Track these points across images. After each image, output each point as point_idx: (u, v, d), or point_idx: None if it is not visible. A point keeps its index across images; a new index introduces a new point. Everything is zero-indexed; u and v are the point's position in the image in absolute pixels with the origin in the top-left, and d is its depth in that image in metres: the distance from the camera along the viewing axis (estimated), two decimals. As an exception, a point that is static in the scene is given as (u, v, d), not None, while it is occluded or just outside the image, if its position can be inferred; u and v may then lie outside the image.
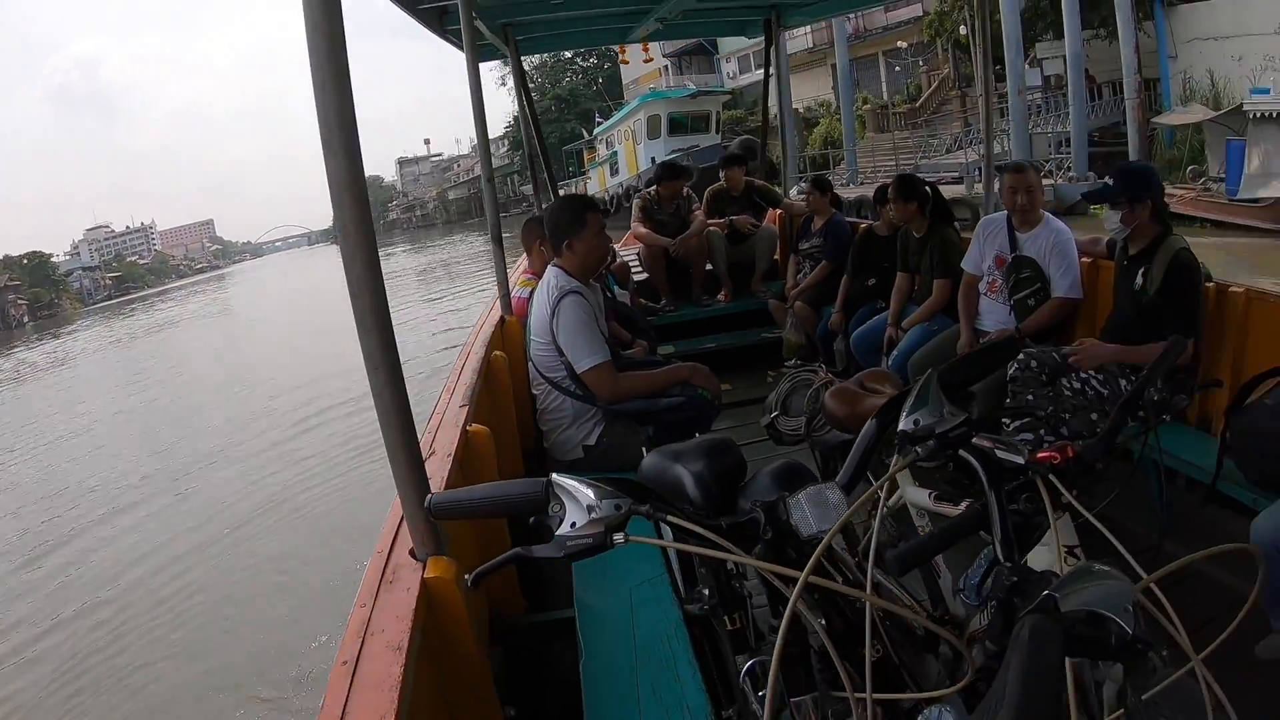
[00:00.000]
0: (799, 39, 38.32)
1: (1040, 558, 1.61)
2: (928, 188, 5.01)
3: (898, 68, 37.46)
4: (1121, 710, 1.12)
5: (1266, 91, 19.87)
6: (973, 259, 4.53)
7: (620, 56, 41.80)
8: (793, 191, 27.52)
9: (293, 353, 21.74)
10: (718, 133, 33.23)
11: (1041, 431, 3.50)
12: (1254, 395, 3.13)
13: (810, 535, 1.37)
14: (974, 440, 1.58)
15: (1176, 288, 3.52)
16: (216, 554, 8.15)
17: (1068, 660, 1.04)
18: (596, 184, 37.72)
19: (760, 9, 6.77)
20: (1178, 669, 1.22)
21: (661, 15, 5.87)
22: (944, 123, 33.24)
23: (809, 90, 39.02)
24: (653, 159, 30.09)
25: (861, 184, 28.98)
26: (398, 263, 47.86)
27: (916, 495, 2.20)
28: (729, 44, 43.34)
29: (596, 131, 40.25)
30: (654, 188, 6.75)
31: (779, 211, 7.00)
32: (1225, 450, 3.15)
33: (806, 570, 1.16)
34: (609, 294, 5.38)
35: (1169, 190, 21.40)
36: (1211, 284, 3.76)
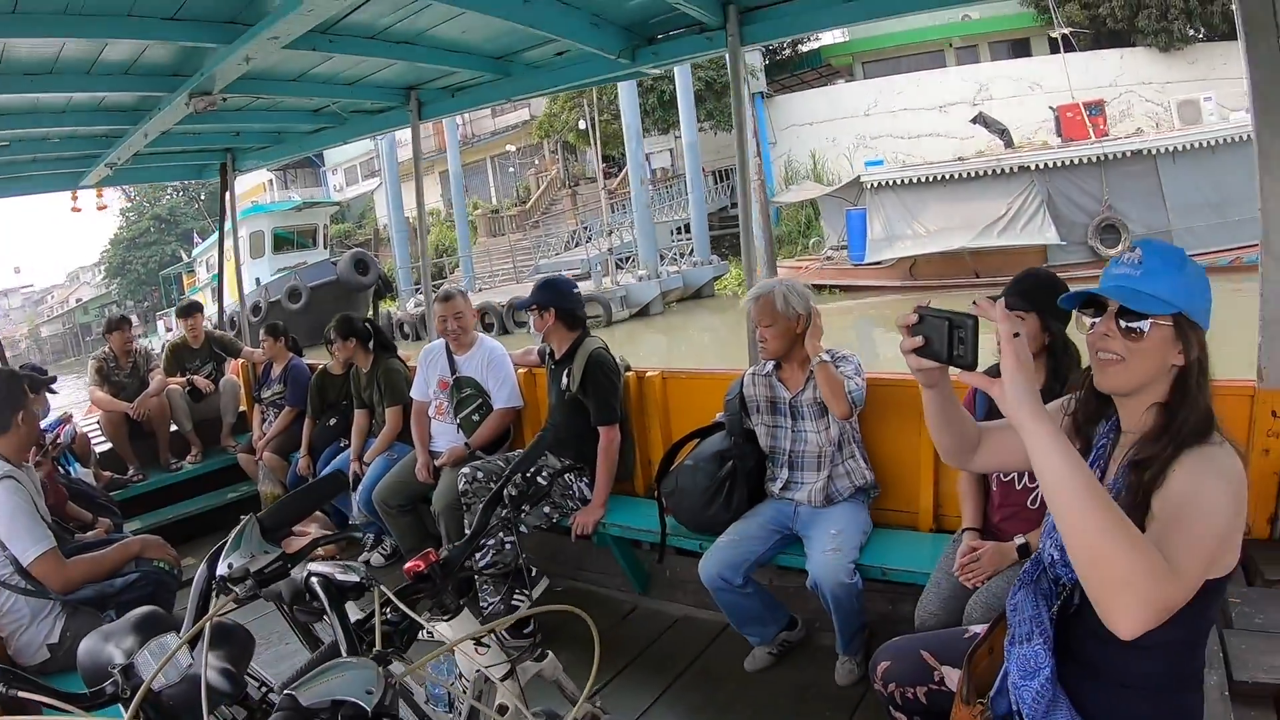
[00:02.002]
0: (408, 146, 39.12)
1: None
2: (366, 324, 5.43)
3: (511, 169, 39.67)
4: None
5: (880, 163, 24.05)
6: (419, 386, 4.96)
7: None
8: (409, 304, 27.64)
9: None
10: (326, 247, 32.78)
11: (501, 535, 3.80)
12: (678, 459, 3.85)
13: (163, 687, 1.49)
14: (313, 566, 1.85)
15: (593, 383, 4.14)
16: None
17: None
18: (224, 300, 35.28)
19: (215, 153, 7.03)
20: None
21: (111, 161, 5.88)
22: (556, 222, 35.83)
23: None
24: (258, 280, 29.05)
25: (480, 290, 30.18)
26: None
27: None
28: (335, 155, 43.45)
29: (195, 253, 37.93)
30: (106, 346, 6.57)
31: (240, 361, 7.07)
32: (665, 511, 3.86)
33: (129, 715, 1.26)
34: (66, 472, 5.20)
35: (795, 264, 24.46)
36: (631, 372, 4.49)
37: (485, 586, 3.95)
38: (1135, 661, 1.65)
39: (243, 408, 6.93)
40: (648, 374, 4.55)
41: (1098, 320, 1.67)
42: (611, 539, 4.25)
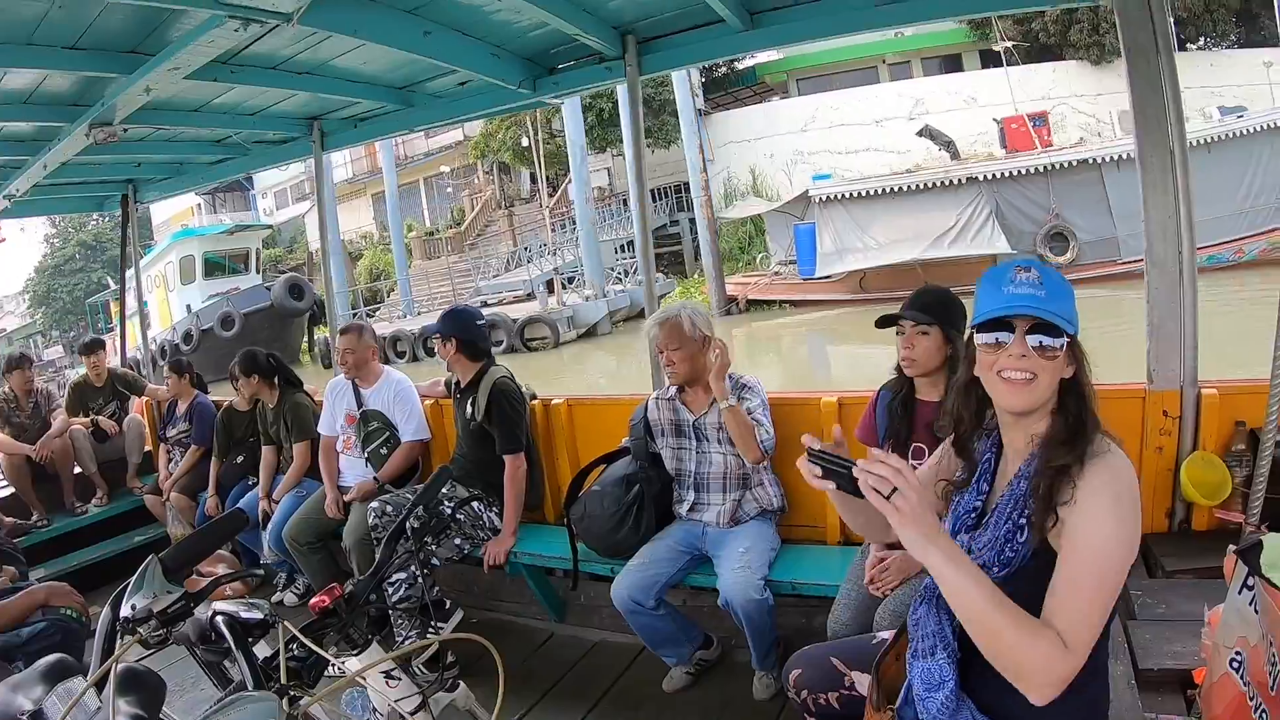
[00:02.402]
0: (338, 169, 39.04)
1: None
2: (270, 359, 5.40)
3: (449, 189, 39.58)
4: None
5: (828, 177, 24.31)
6: (326, 421, 4.97)
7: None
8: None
9: None
10: (258, 272, 32.10)
11: (413, 568, 3.80)
12: (586, 486, 3.97)
13: None
14: (218, 606, 1.90)
15: (497, 411, 4.23)
16: None
17: None
18: (126, 340, 33.84)
19: (116, 184, 6.91)
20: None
21: (9, 192, 5.77)
22: (492, 243, 35.79)
23: (350, 222, 39.80)
24: (188, 307, 28.50)
25: (419, 314, 30.03)
26: None
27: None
28: (265, 178, 43.15)
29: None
30: (5, 386, 6.46)
31: (145, 399, 6.94)
32: (575, 537, 3.96)
33: None
34: (-36, 521, 5.03)
35: (743, 279, 24.82)
36: (536, 400, 4.61)
37: (400, 621, 3.97)
38: None
39: (148, 447, 6.80)
40: (554, 401, 4.67)
41: (1004, 340, 1.73)
42: (524, 568, 4.33)
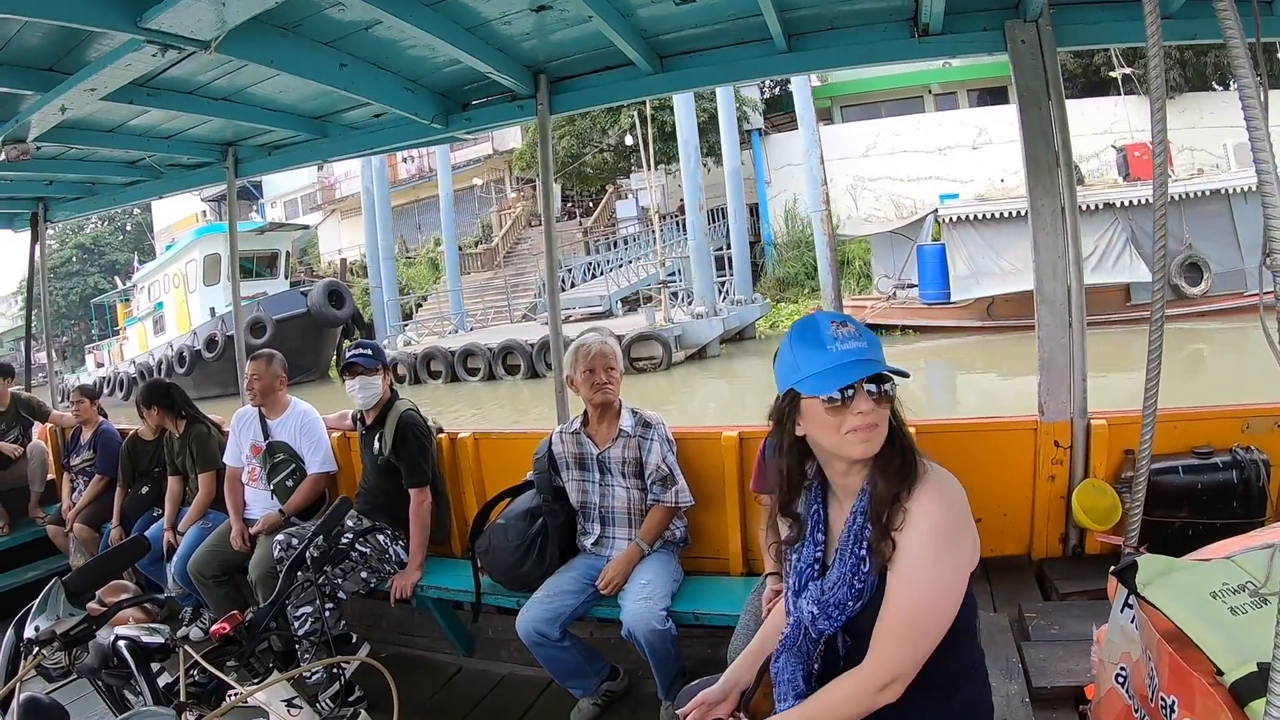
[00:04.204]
0: (354, 180, 38.86)
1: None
2: (170, 390, 5.60)
3: (484, 198, 39.88)
4: None
5: (955, 197, 24.34)
6: (232, 452, 5.17)
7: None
8: (399, 341, 26.80)
9: None
10: (287, 277, 31.51)
11: (317, 601, 4.05)
12: (491, 519, 4.20)
13: None
14: (120, 630, 2.05)
15: (404, 446, 4.46)
16: None
17: None
18: (136, 345, 33.25)
19: (26, 202, 7.02)
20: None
21: None
22: (524, 260, 35.44)
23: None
24: (212, 310, 27.70)
25: (471, 330, 29.54)
26: None
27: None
28: (274, 186, 43.74)
29: (136, 277, 35.56)
30: None
31: (49, 425, 7.04)
32: (479, 570, 4.18)
33: None
34: None
35: (857, 303, 24.71)
36: (444, 434, 4.86)
37: (306, 656, 4.09)
38: None
39: (51, 475, 6.87)
40: (460, 435, 4.91)
41: (847, 398, 1.87)
42: (430, 601, 4.53)
